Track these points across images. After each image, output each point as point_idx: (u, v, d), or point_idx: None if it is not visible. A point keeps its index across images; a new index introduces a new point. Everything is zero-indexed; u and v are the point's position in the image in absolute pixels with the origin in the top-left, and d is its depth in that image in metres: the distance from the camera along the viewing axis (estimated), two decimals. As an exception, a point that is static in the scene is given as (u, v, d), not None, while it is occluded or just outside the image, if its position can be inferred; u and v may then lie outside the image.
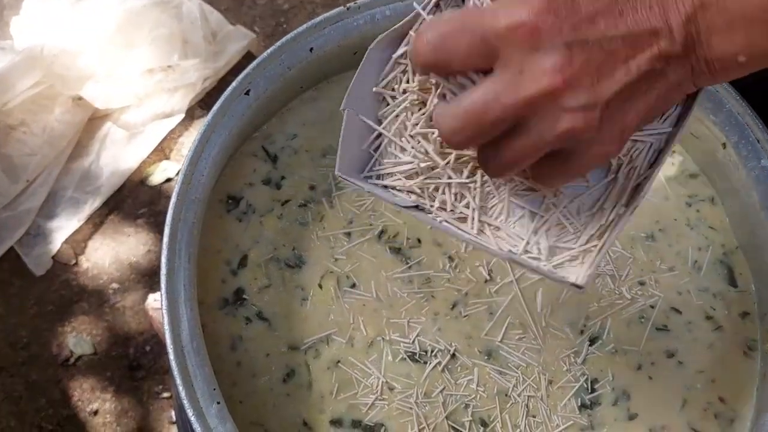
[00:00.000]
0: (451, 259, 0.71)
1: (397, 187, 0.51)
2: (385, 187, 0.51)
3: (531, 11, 0.37)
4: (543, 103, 0.38)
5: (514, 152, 0.42)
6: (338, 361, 0.66)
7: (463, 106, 0.40)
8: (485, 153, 0.44)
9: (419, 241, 0.72)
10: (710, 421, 0.66)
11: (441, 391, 0.66)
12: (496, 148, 0.42)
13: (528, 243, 0.49)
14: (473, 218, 0.49)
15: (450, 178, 0.49)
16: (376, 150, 0.52)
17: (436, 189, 0.50)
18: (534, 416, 0.66)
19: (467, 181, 0.49)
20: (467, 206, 0.49)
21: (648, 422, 0.66)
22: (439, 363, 0.67)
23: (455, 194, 0.50)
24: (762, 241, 0.70)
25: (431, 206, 0.50)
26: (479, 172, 0.49)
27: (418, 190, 0.50)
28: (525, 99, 0.38)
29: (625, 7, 0.38)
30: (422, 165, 0.49)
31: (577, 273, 0.49)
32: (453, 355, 0.67)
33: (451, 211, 0.50)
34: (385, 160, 0.51)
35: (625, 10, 0.38)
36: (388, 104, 0.50)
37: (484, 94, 0.40)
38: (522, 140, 0.41)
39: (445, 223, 0.50)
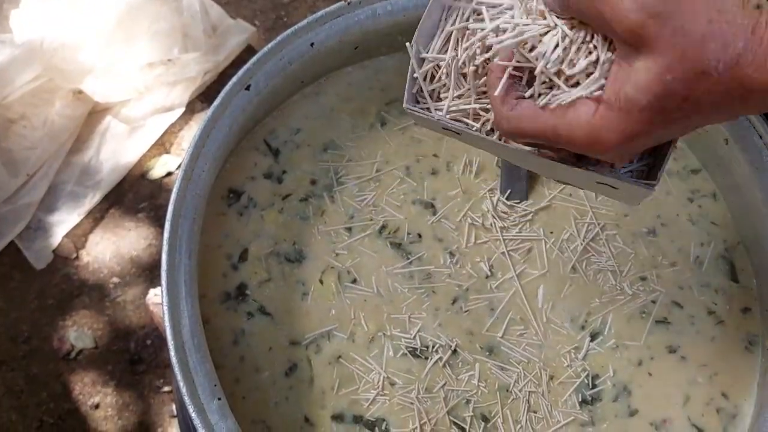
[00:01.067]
0: (452, 254, 0.71)
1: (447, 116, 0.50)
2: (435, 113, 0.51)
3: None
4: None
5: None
6: (339, 357, 0.66)
7: (540, 124, 0.42)
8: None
9: (420, 236, 0.72)
10: (712, 416, 0.66)
11: (442, 387, 0.66)
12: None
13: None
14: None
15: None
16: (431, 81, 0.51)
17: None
18: (535, 412, 0.66)
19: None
20: None
21: (649, 418, 0.66)
22: (440, 358, 0.67)
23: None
24: (764, 237, 0.70)
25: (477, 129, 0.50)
26: None
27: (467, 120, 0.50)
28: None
29: None
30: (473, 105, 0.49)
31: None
32: (454, 351, 0.67)
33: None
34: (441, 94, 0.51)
35: None
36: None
37: (568, 128, 0.41)
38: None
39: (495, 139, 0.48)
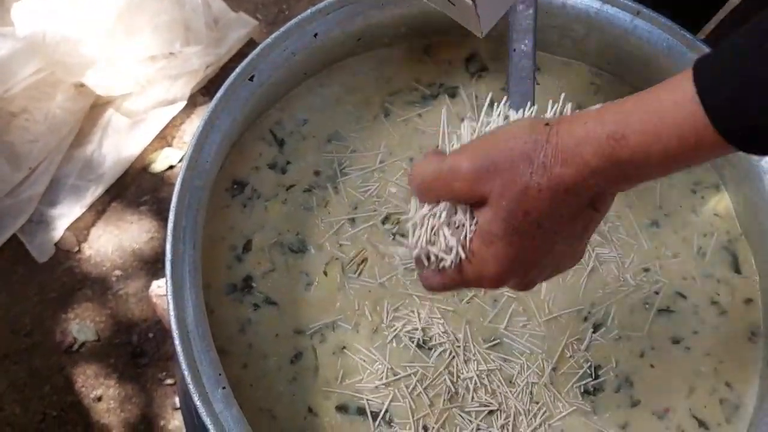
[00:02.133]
0: (455, 245, 0.71)
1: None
2: None
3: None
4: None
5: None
6: (343, 347, 0.67)
7: (444, 282, 0.51)
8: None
9: (424, 227, 0.72)
10: (715, 407, 0.67)
11: (445, 378, 0.66)
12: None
13: None
14: None
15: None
16: None
17: None
18: (537, 402, 0.66)
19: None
20: None
21: (651, 408, 0.66)
22: (444, 350, 0.67)
23: None
24: (767, 229, 0.70)
25: None
26: None
27: None
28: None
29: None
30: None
31: None
32: (457, 342, 0.67)
33: None
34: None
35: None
36: None
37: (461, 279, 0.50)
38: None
39: None
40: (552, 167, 0.44)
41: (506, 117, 0.53)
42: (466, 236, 0.49)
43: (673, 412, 0.66)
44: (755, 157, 0.70)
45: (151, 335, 1.20)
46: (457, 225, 0.49)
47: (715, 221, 0.74)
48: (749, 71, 0.39)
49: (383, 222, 0.72)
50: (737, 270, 0.72)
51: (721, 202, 0.75)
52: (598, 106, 0.46)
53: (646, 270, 0.71)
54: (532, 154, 0.44)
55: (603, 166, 0.44)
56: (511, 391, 0.66)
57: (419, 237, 0.51)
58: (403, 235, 0.71)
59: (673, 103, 0.42)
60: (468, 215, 0.48)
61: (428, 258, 0.52)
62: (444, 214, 0.49)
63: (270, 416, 0.64)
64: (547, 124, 0.45)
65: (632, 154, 0.43)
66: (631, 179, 0.45)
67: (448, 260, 0.50)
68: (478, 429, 0.64)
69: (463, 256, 0.49)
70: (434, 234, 0.50)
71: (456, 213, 0.49)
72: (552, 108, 0.51)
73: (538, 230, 0.46)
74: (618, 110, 0.44)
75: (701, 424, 0.66)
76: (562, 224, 0.47)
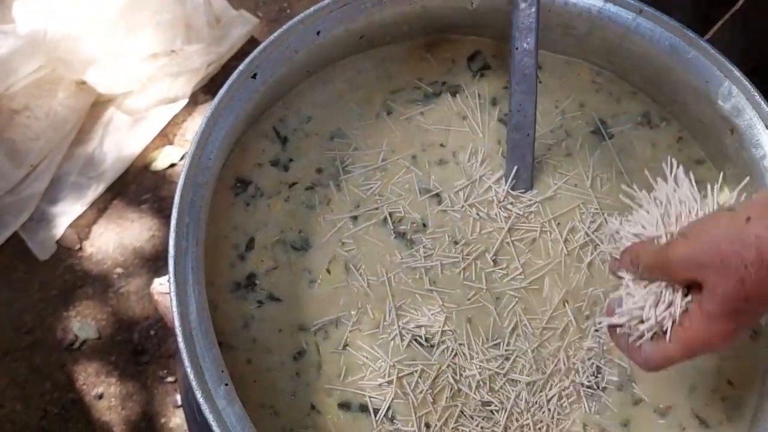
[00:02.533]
0: (456, 243, 0.71)
1: None
2: None
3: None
4: None
5: None
6: (346, 345, 0.67)
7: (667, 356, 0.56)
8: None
9: (425, 225, 0.72)
10: (717, 405, 0.67)
11: (448, 375, 0.66)
12: None
13: None
14: None
15: None
16: None
17: None
18: (539, 400, 0.66)
19: None
20: None
21: (653, 406, 0.66)
22: (447, 348, 0.67)
23: None
24: (769, 227, 0.70)
25: None
26: None
27: None
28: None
29: None
30: None
31: None
32: (460, 340, 0.67)
33: None
34: None
35: None
36: None
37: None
38: None
39: None
40: (764, 260, 0.50)
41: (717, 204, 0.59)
42: (675, 312, 0.55)
43: (674, 410, 0.66)
44: (757, 155, 0.70)
45: (152, 333, 1.20)
46: (664, 301, 0.56)
47: (716, 220, 0.74)
48: None
49: (385, 220, 0.72)
50: (739, 268, 0.72)
51: (723, 202, 0.75)
52: None
53: (648, 268, 0.71)
54: (742, 250, 0.50)
55: None
56: (513, 389, 0.66)
57: (631, 309, 0.57)
58: (405, 234, 0.71)
59: None
60: (679, 294, 0.55)
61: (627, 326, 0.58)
62: (658, 292, 0.56)
63: (273, 412, 0.64)
64: (748, 218, 0.50)
65: None
66: None
67: (648, 331, 0.56)
68: (481, 427, 0.65)
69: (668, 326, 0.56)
70: (641, 308, 0.57)
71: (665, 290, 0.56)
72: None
73: (755, 306, 0.52)
74: None
75: (702, 422, 0.66)
76: None
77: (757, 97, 0.70)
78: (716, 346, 0.54)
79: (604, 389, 0.67)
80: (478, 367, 0.66)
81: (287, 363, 0.66)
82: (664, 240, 0.57)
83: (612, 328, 0.60)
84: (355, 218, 0.72)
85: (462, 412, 0.65)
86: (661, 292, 0.56)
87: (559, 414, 0.66)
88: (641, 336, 0.57)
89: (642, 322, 0.57)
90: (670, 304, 0.56)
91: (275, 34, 0.70)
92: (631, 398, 0.67)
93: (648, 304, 0.56)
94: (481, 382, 0.66)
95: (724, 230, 0.51)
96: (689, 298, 0.55)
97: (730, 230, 0.51)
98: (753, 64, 0.82)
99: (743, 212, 0.51)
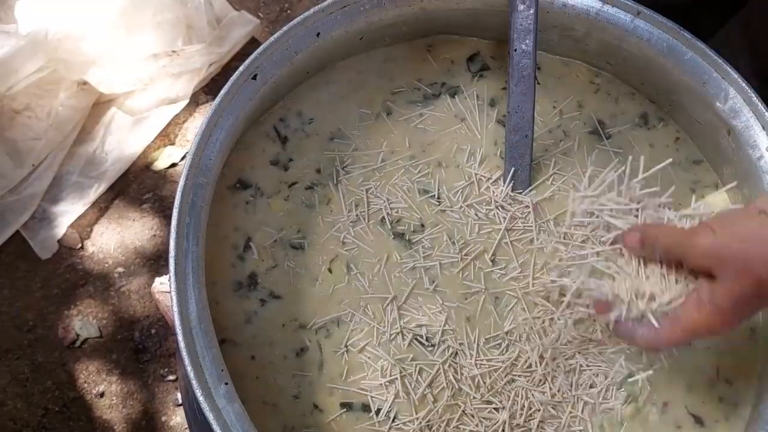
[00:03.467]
0: (455, 244, 0.71)
1: None
2: None
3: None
4: None
5: None
6: (348, 344, 0.67)
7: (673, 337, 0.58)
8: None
9: (423, 225, 0.72)
10: (714, 404, 0.67)
11: (448, 374, 0.66)
12: None
13: None
14: None
15: None
16: None
17: None
18: (540, 398, 0.66)
19: None
20: None
21: (649, 405, 0.67)
22: (448, 347, 0.67)
23: None
24: (765, 227, 0.70)
25: None
26: None
27: None
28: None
29: None
30: None
31: None
32: (461, 340, 0.68)
33: None
34: None
35: None
36: None
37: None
38: None
39: None
40: None
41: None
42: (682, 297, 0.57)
43: (670, 409, 0.67)
44: (755, 156, 0.71)
45: (153, 332, 1.20)
46: (669, 286, 0.58)
47: (714, 220, 0.74)
48: None
49: (384, 220, 0.72)
50: (736, 268, 0.72)
51: (721, 201, 0.75)
52: None
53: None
54: (763, 253, 0.52)
55: None
56: (513, 388, 0.66)
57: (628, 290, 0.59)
58: (404, 234, 0.72)
59: None
60: (689, 277, 0.57)
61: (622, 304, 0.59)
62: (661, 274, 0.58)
63: (274, 410, 0.65)
64: None
65: None
66: None
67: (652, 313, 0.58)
68: (482, 425, 0.65)
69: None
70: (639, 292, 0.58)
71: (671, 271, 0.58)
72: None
73: (762, 305, 0.55)
74: None
75: (698, 420, 0.67)
76: None
77: (754, 98, 0.71)
78: (718, 334, 0.56)
79: (602, 389, 0.67)
80: (478, 366, 0.67)
81: (290, 359, 0.66)
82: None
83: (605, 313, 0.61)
84: (354, 218, 0.72)
85: (463, 412, 0.65)
86: (664, 274, 0.58)
87: (559, 411, 0.66)
88: (641, 317, 0.58)
89: (638, 299, 0.58)
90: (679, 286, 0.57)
91: (276, 35, 0.70)
92: (628, 397, 0.67)
93: (658, 288, 0.57)
94: (481, 382, 0.66)
95: (754, 231, 0.52)
96: (697, 282, 0.56)
97: (761, 233, 0.52)
98: (756, 66, 0.82)
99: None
